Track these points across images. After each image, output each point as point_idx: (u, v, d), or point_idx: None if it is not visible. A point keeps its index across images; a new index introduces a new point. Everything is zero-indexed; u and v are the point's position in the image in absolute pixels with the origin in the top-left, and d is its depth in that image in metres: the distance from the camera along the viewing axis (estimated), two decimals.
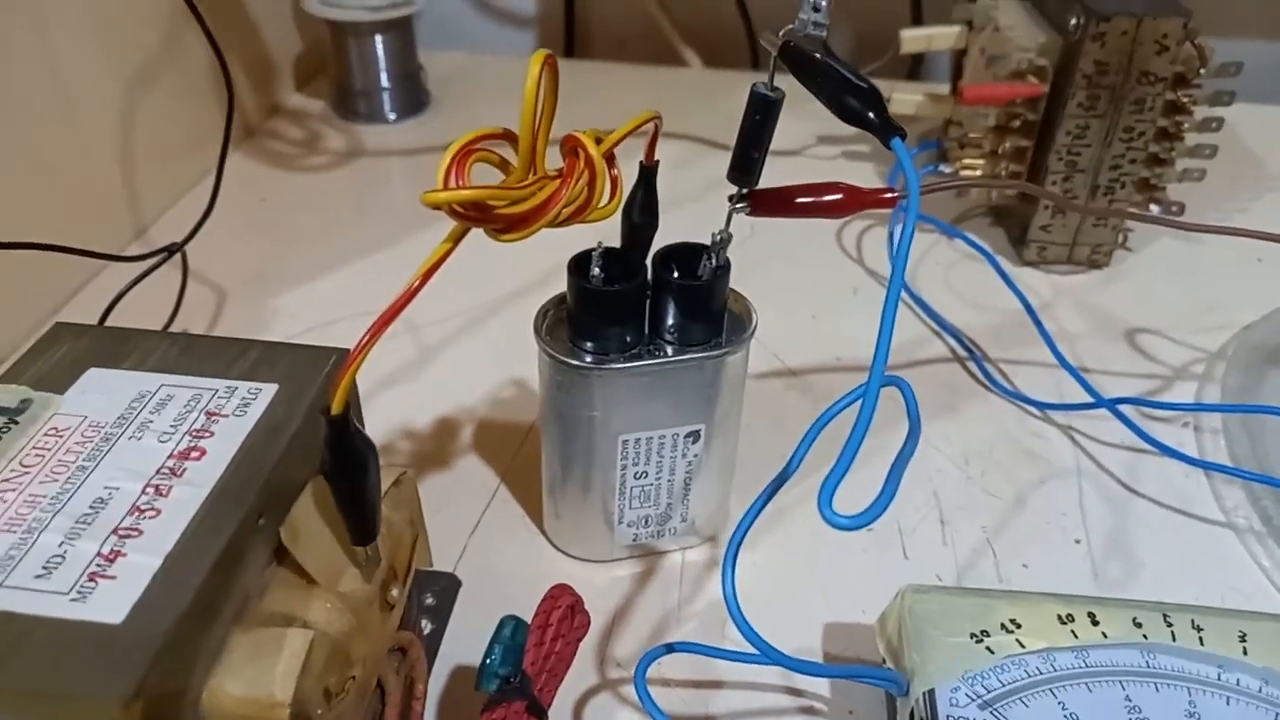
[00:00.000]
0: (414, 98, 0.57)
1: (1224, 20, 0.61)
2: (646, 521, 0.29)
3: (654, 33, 0.64)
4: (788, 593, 0.29)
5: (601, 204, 0.21)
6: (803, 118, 0.57)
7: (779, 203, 0.26)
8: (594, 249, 0.26)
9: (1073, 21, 0.39)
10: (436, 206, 0.18)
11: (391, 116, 0.56)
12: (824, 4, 0.23)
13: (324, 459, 0.19)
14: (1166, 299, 0.42)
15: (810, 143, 0.53)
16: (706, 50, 0.64)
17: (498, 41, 0.69)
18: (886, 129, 0.21)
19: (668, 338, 0.27)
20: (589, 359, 0.26)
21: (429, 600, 0.28)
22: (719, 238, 0.26)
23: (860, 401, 0.19)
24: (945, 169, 0.44)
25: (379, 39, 0.54)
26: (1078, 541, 0.31)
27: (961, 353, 0.39)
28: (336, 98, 0.56)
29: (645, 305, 0.27)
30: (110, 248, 0.40)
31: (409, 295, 0.18)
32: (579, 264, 0.26)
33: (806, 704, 0.26)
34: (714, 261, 0.26)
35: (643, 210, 0.26)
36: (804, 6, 0.24)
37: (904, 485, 0.32)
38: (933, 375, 0.38)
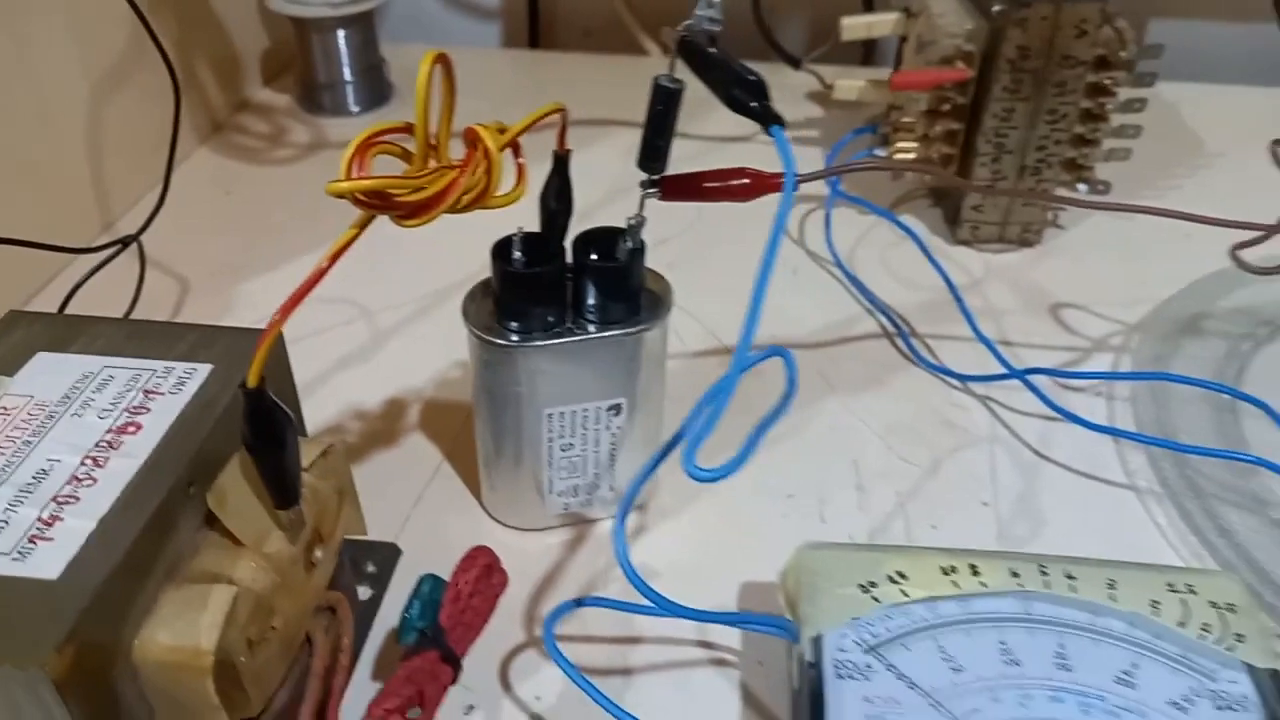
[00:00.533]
0: (377, 90, 0.58)
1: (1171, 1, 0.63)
2: (575, 491, 0.31)
3: (616, 24, 0.65)
4: (710, 555, 0.31)
5: (501, 191, 0.23)
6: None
7: (688, 188, 0.28)
8: (514, 234, 0.28)
9: (995, 8, 0.40)
10: (340, 195, 0.20)
11: (355, 109, 0.58)
12: (716, 1, 0.25)
13: (243, 430, 0.20)
14: (1094, 274, 0.44)
15: (757, 129, 0.55)
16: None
17: (464, 34, 0.70)
18: (766, 117, 0.23)
19: (589, 316, 0.29)
20: (513, 338, 0.28)
21: (370, 568, 0.30)
22: (633, 222, 0.28)
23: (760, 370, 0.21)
24: (880, 153, 0.46)
25: (341, 34, 0.55)
26: (986, 504, 0.33)
27: (891, 329, 0.41)
28: (302, 92, 0.58)
29: (565, 286, 0.29)
30: (79, 242, 0.42)
31: (316, 277, 0.20)
32: (501, 248, 0.28)
33: (719, 656, 0.28)
34: (630, 244, 0.28)
35: (557, 196, 0.27)
36: (700, 3, 0.26)
37: (827, 454, 0.35)
38: (862, 351, 0.40)
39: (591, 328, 0.28)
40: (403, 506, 0.32)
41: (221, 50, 0.56)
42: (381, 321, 0.41)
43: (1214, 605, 0.25)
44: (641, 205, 0.28)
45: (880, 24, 0.47)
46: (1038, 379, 0.36)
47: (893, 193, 0.48)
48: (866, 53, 0.64)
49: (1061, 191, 0.44)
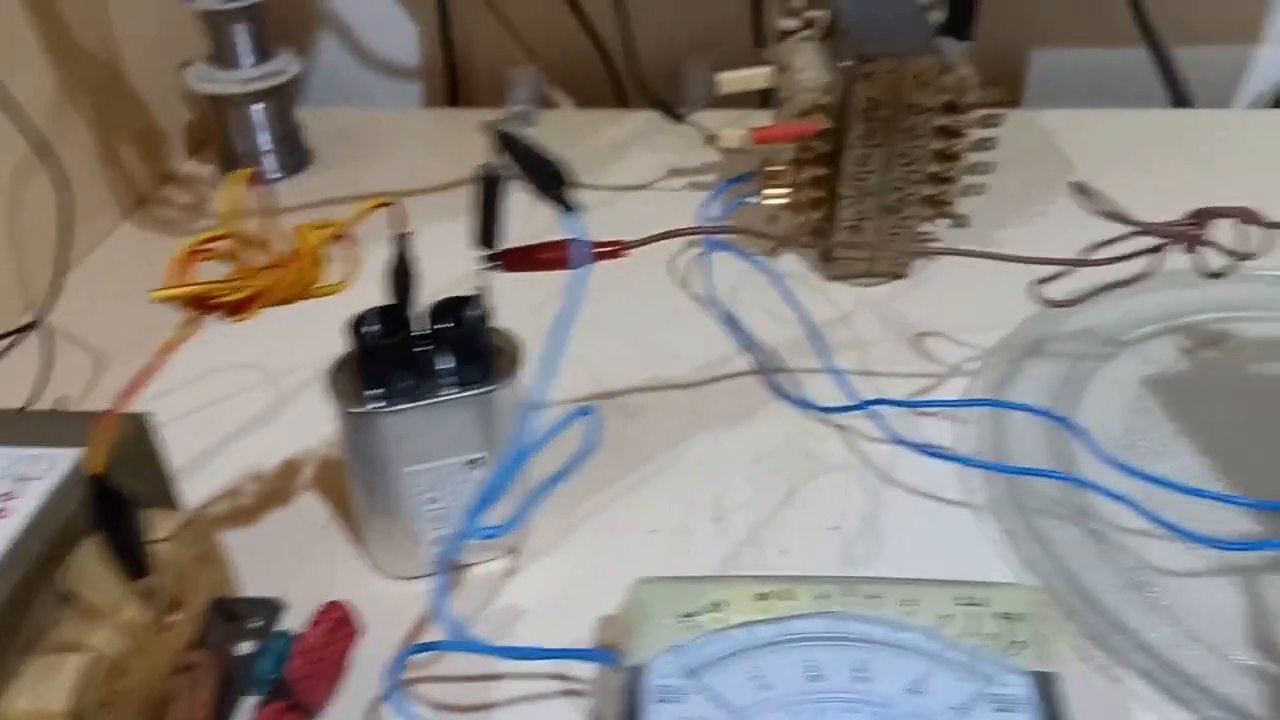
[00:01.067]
0: (296, 156, 0.61)
1: (1039, 29, 0.66)
2: (447, 540, 0.34)
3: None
4: (575, 592, 0.34)
5: (325, 283, 0.25)
6: (658, 150, 0.63)
7: (521, 260, 0.31)
8: (368, 309, 0.30)
9: (843, 64, 0.43)
10: (162, 302, 0.22)
11: (277, 175, 0.60)
12: (525, 97, 0.28)
13: (89, 512, 0.23)
14: (957, 303, 0.47)
15: (661, 175, 0.58)
16: (578, 92, 0.69)
17: (385, 93, 0.73)
18: (562, 204, 0.26)
19: (444, 379, 0.31)
20: (372, 405, 0.31)
21: (255, 623, 0.32)
22: (477, 292, 0.31)
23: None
24: (753, 200, 0.49)
25: (255, 107, 0.58)
26: (834, 528, 0.36)
27: (762, 365, 0.43)
28: (223, 162, 0.61)
29: (420, 352, 0.31)
30: (3, 325, 0.44)
31: (146, 373, 0.23)
32: (357, 322, 0.31)
33: (574, 687, 0.31)
34: (475, 311, 0.31)
35: (399, 274, 0.30)
36: (513, 97, 0.29)
37: (693, 489, 0.38)
38: (733, 388, 0.42)
39: (446, 390, 0.31)
40: (293, 562, 0.35)
41: (143, 125, 0.58)
42: (284, 384, 0.43)
43: (1002, 615, 0.27)
44: (481, 278, 0.31)
45: (756, 78, 0.50)
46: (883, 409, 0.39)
47: (780, 233, 0.51)
48: (764, 99, 0.67)
49: (926, 226, 0.47)
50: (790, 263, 0.50)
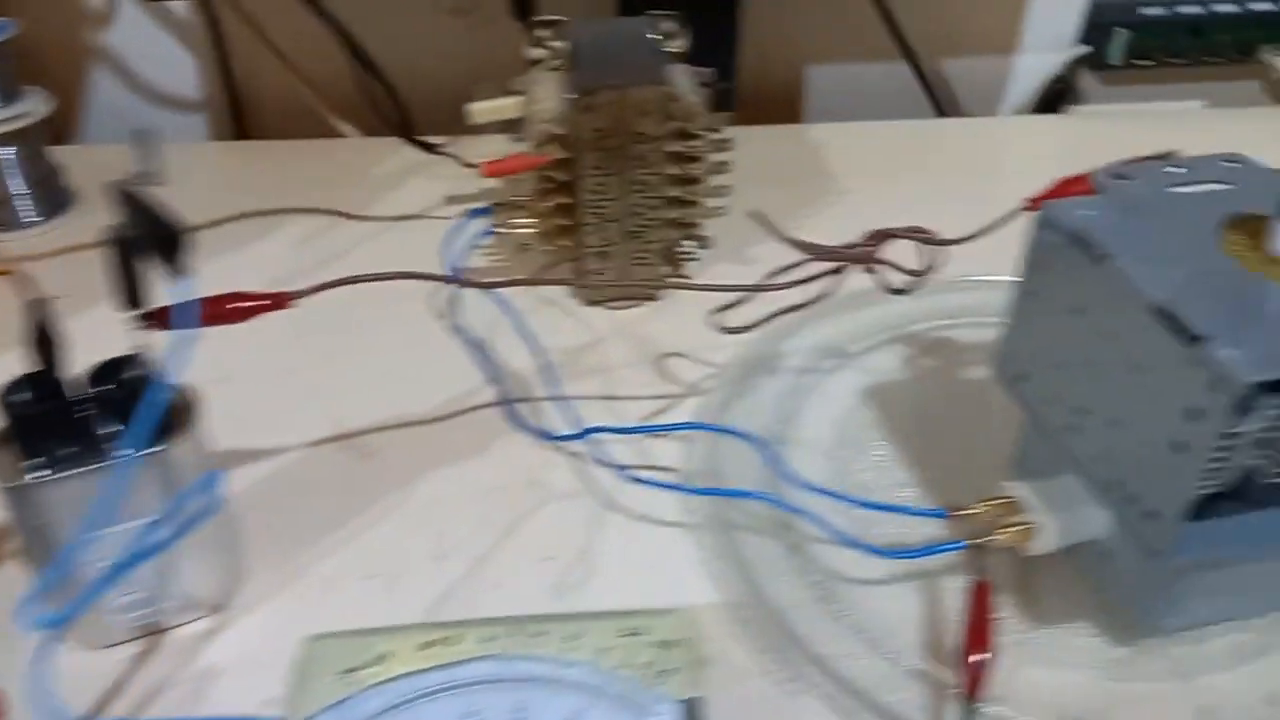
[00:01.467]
0: (54, 199, 0.58)
1: (812, 47, 0.68)
2: (138, 605, 0.33)
3: (311, 111, 0.68)
4: (277, 648, 0.33)
5: None
6: (437, 179, 0.62)
7: (214, 313, 0.30)
8: (17, 377, 0.29)
9: (568, 95, 0.44)
10: None
11: (36, 219, 0.58)
12: (147, 157, 0.27)
13: None
14: (699, 324, 0.48)
15: (436, 203, 0.58)
16: (363, 120, 0.68)
17: (171, 127, 0.71)
18: (171, 268, 0.26)
19: (108, 443, 0.30)
20: (29, 476, 0.29)
21: None
22: (138, 352, 0.30)
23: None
24: (501, 232, 0.49)
25: (4, 151, 0.56)
26: (550, 559, 0.36)
27: (505, 397, 0.43)
28: None
29: (81, 417, 0.30)
30: None
31: None
32: (5, 391, 0.29)
33: None
34: (137, 371, 0.30)
35: (40, 344, 0.29)
36: (136, 159, 0.28)
37: (418, 529, 0.37)
38: (473, 422, 0.42)
39: (111, 454, 0.30)
40: None
41: None
42: None
43: (658, 644, 0.28)
44: (140, 337, 0.30)
45: (506, 108, 0.51)
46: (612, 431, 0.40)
47: (534, 262, 0.52)
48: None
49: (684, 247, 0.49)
50: (551, 288, 0.50)
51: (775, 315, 0.39)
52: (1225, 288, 0.26)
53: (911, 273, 0.36)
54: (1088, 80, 0.70)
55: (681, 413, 0.43)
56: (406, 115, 0.68)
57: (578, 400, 0.43)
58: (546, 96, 0.47)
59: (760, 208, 0.57)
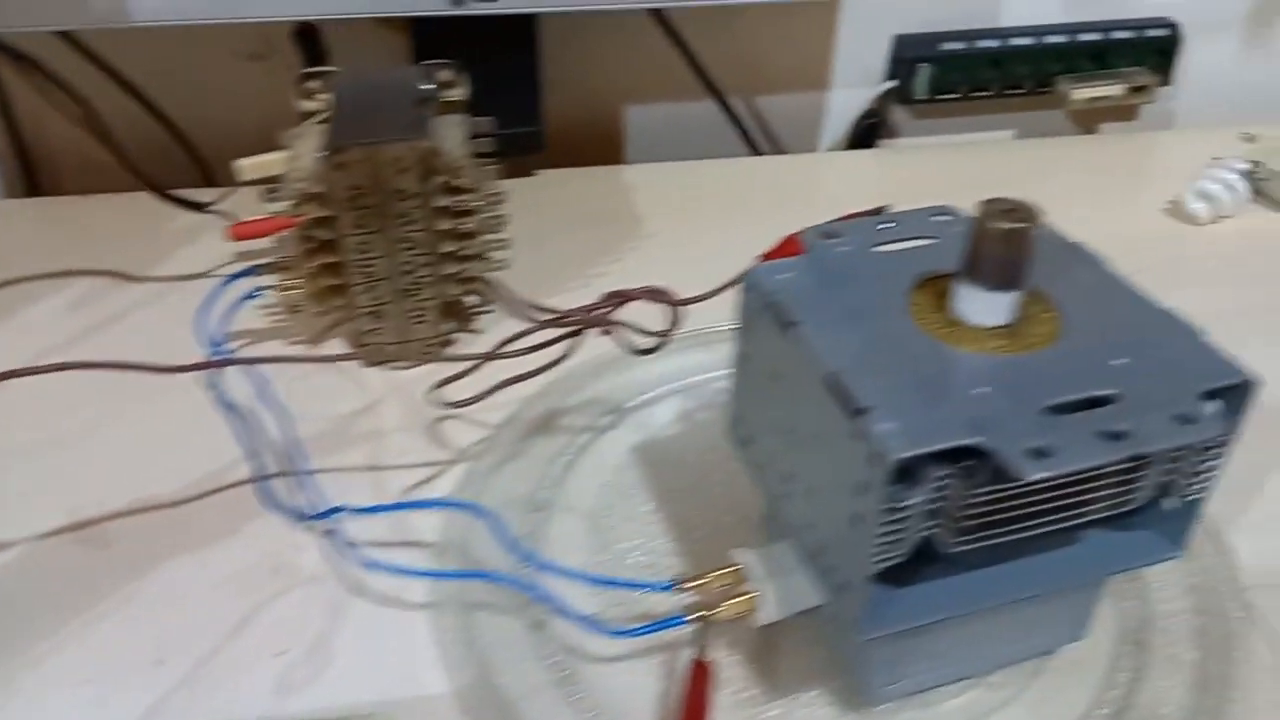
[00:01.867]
0: None
1: (629, 87, 0.67)
2: None
3: (110, 164, 0.64)
4: None
5: None
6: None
7: None
8: None
9: (319, 154, 0.42)
10: None
11: None
12: None
13: None
14: (480, 382, 0.46)
15: (227, 261, 0.55)
16: (160, 175, 0.65)
17: None
18: None
19: None
20: None
21: None
22: None
23: None
24: (268, 293, 0.47)
25: None
26: (281, 653, 0.34)
27: (260, 473, 0.41)
28: None
29: None
30: None
31: None
32: None
33: None
34: None
35: None
36: None
37: (142, 628, 0.35)
38: (224, 502, 0.40)
39: None
40: None
41: None
42: None
43: None
44: None
45: (273, 163, 0.48)
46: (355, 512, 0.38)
47: (312, 323, 0.50)
48: None
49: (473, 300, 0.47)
50: (334, 349, 0.48)
51: (501, 386, 0.37)
52: (899, 355, 0.26)
53: (652, 333, 0.35)
54: (900, 115, 0.71)
55: (449, 480, 0.41)
56: (205, 167, 0.66)
57: (343, 472, 0.41)
58: (305, 153, 0.45)
59: (566, 252, 0.56)
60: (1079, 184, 0.64)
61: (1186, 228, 0.59)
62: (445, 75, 0.49)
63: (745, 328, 0.30)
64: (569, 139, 0.69)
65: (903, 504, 0.24)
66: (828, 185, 0.66)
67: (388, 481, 0.41)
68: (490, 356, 0.35)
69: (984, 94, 0.69)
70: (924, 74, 0.67)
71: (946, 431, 0.23)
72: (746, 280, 0.30)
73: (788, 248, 0.33)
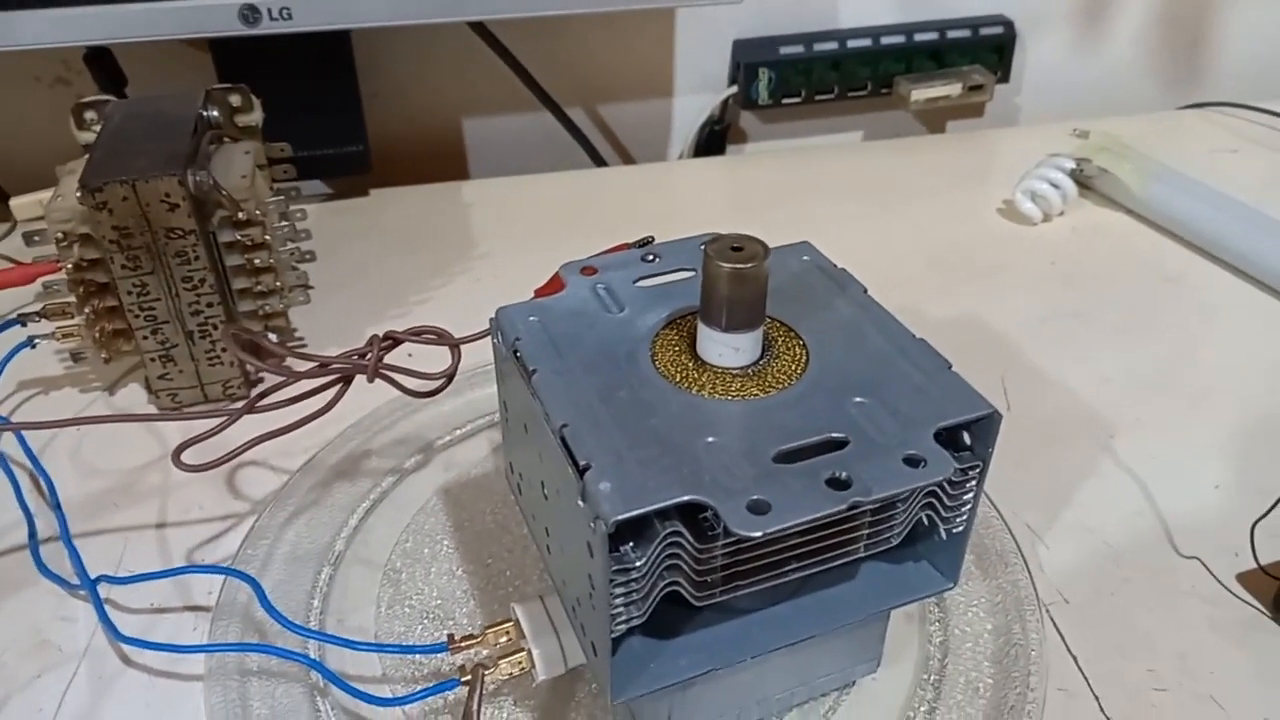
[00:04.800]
0: None
1: (467, 101, 0.65)
2: None
3: None
4: None
5: None
6: None
7: None
8: None
9: (76, 194, 0.39)
10: None
11: None
12: None
13: None
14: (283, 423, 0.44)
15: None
16: None
17: None
18: None
19: None
20: None
21: None
22: None
23: None
24: (41, 341, 0.43)
25: None
26: None
27: (34, 536, 0.38)
28: None
29: None
30: None
31: None
32: None
33: None
34: None
35: None
36: None
37: None
38: None
39: None
40: None
41: None
42: None
43: None
44: None
45: (29, 206, 0.45)
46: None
47: (113, 372, 0.46)
48: None
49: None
50: (130, 396, 0.45)
51: (253, 443, 0.35)
52: (634, 405, 0.25)
53: (428, 376, 0.33)
54: (747, 120, 0.71)
55: (241, 533, 0.39)
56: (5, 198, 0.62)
57: (128, 531, 0.38)
58: (69, 191, 0.42)
59: (394, 275, 0.54)
60: (920, 185, 0.64)
61: (1019, 228, 0.60)
62: (235, 99, 0.46)
63: (499, 374, 0.29)
64: (408, 156, 0.66)
65: (630, 565, 0.23)
66: (675, 194, 0.65)
67: (176, 539, 0.38)
68: (242, 413, 0.33)
69: (827, 96, 0.69)
70: (765, 78, 0.66)
71: (663, 490, 0.22)
72: (493, 323, 0.28)
73: (555, 284, 0.31)
